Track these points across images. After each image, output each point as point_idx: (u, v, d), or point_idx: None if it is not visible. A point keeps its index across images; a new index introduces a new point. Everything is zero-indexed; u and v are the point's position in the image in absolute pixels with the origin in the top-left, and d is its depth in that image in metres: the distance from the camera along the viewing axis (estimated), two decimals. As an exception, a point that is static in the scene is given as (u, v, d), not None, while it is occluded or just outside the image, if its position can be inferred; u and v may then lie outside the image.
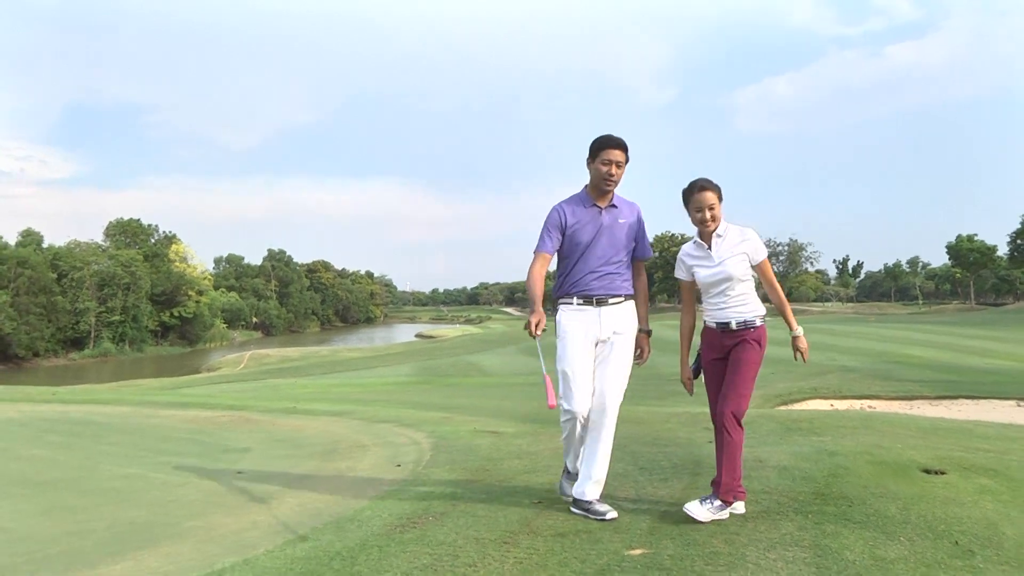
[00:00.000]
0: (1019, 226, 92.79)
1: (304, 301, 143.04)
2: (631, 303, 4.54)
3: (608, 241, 4.45)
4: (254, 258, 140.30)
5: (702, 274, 4.43)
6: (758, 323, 4.37)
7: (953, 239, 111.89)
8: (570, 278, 4.47)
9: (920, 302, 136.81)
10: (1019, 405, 14.52)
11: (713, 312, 4.43)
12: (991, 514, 4.00)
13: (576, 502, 4.33)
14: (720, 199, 4.38)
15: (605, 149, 4.37)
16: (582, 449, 4.43)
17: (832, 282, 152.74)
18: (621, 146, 4.39)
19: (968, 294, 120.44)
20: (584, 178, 4.54)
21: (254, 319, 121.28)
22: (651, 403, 12.95)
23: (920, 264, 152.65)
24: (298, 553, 3.79)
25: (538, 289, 4.41)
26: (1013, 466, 5.13)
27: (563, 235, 4.45)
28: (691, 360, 4.58)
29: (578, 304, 4.43)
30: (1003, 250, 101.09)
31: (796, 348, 4.42)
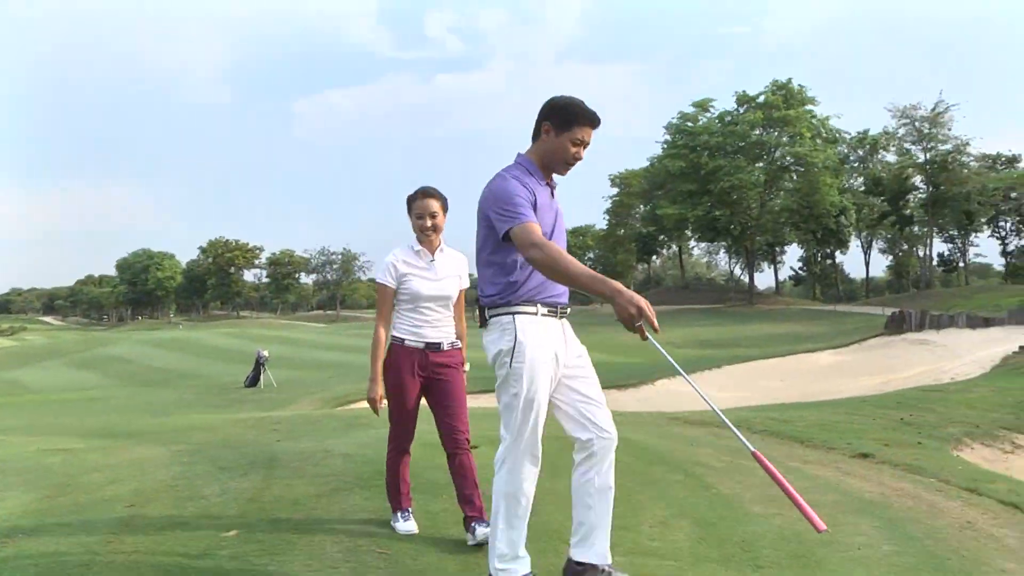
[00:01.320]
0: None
1: None
2: None
3: (561, 234, 3.46)
4: None
5: (423, 287, 4.18)
6: (459, 344, 4.35)
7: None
8: (533, 279, 3.31)
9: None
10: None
11: (422, 329, 4.19)
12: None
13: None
14: (444, 211, 4.23)
15: (584, 126, 3.33)
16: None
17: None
18: (598, 125, 3.39)
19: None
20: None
21: None
22: (211, 411, 13.16)
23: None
24: None
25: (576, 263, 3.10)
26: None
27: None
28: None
29: (543, 315, 3.32)
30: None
31: None
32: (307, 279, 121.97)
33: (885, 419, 9.92)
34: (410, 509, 4.31)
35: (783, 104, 62.52)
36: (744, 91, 65.56)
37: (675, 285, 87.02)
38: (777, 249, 78.12)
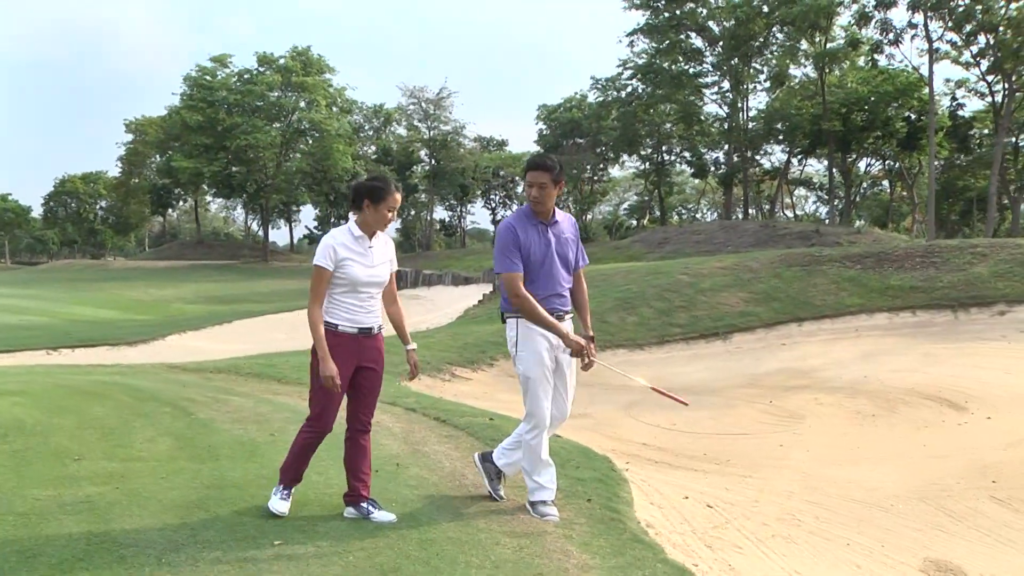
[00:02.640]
0: (52, 189, 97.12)
1: None
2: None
3: (553, 259, 4.54)
4: None
5: (361, 273, 4.25)
6: (383, 329, 4.44)
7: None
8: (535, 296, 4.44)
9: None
10: (48, 353, 17.17)
11: (357, 315, 4.27)
12: (19, 415, 6.43)
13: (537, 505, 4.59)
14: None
15: (528, 171, 4.44)
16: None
17: None
18: (537, 169, 4.43)
19: (4, 254, 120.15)
20: None
21: None
22: None
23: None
24: None
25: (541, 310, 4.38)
26: (32, 389, 7.60)
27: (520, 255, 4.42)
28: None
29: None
30: (37, 211, 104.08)
31: (412, 363, 4.59)
32: None
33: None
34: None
35: (302, 70, 64.50)
36: (266, 52, 66.25)
37: (191, 240, 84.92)
38: (293, 208, 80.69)
